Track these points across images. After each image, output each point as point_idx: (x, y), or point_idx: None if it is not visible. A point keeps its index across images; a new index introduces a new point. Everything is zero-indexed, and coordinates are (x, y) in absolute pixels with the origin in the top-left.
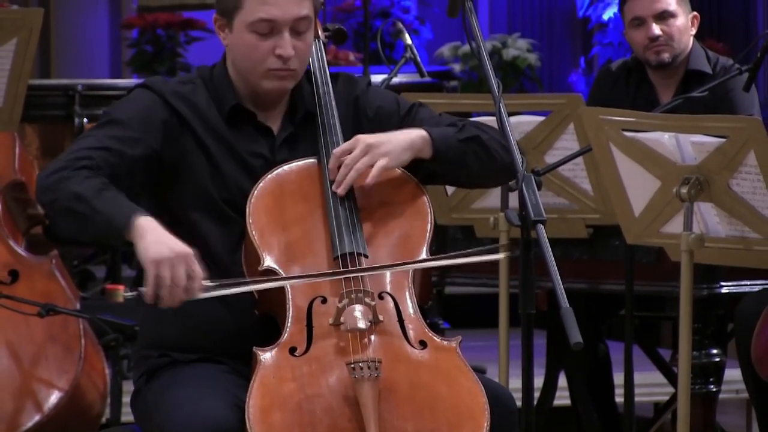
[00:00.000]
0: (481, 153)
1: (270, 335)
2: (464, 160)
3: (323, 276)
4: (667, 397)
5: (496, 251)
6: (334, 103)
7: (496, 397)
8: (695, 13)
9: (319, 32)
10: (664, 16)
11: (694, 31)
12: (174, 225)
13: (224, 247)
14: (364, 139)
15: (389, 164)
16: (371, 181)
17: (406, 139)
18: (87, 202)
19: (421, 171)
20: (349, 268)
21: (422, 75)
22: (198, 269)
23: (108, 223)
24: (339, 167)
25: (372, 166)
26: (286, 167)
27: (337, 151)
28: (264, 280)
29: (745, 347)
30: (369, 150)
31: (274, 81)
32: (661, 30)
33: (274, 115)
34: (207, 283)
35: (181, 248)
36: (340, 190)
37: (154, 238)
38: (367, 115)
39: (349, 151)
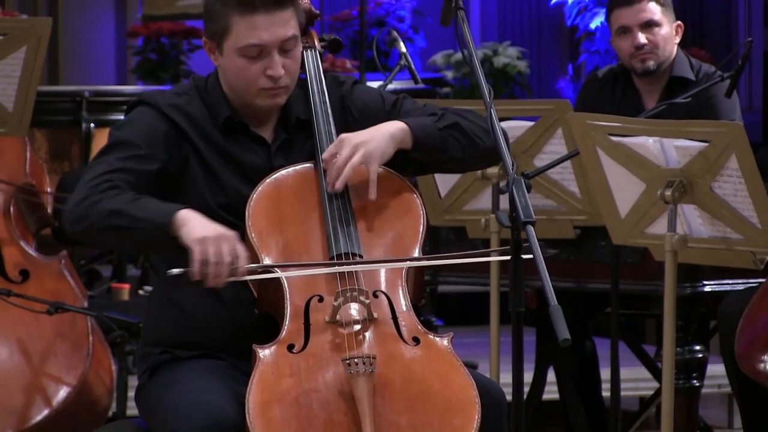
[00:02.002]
0: (462, 139)
1: (269, 333)
2: (445, 147)
3: (321, 266)
4: (651, 392)
5: (487, 254)
6: (330, 110)
7: (487, 391)
8: (679, 22)
9: (316, 42)
10: (649, 25)
11: (677, 40)
12: None
13: None
14: (348, 138)
15: (380, 160)
16: (373, 189)
17: (387, 132)
18: (124, 214)
19: (410, 165)
20: (345, 261)
21: (416, 82)
22: (241, 249)
23: (151, 227)
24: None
25: (362, 164)
26: (283, 172)
27: (325, 155)
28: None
29: (728, 345)
30: (356, 149)
31: (267, 99)
32: (647, 38)
33: (267, 125)
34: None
35: (224, 229)
36: (338, 185)
37: (198, 222)
38: (352, 114)
39: (336, 154)
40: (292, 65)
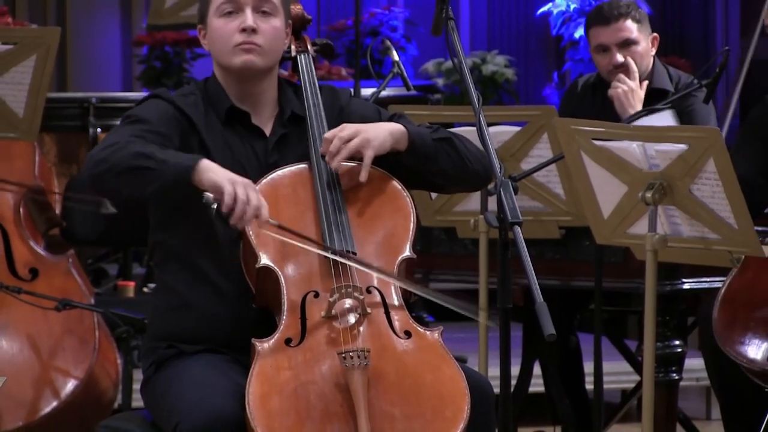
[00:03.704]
0: (453, 154)
1: (267, 327)
2: (437, 157)
3: (322, 249)
4: (633, 385)
5: (476, 312)
6: (323, 113)
7: (476, 384)
8: (655, 34)
9: (309, 46)
10: (627, 44)
11: (654, 51)
12: (182, 218)
13: (225, 240)
14: (350, 125)
15: (377, 150)
16: (365, 173)
17: (387, 128)
18: (152, 156)
19: (398, 173)
20: (337, 249)
21: (408, 89)
22: (263, 199)
23: (176, 170)
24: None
25: (360, 147)
26: (279, 172)
27: (327, 135)
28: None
29: (708, 342)
30: (357, 132)
31: (241, 55)
32: (624, 57)
33: (266, 117)
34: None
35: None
36: (334, 163)
37: (224, 170)
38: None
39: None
40: (267, 29)
